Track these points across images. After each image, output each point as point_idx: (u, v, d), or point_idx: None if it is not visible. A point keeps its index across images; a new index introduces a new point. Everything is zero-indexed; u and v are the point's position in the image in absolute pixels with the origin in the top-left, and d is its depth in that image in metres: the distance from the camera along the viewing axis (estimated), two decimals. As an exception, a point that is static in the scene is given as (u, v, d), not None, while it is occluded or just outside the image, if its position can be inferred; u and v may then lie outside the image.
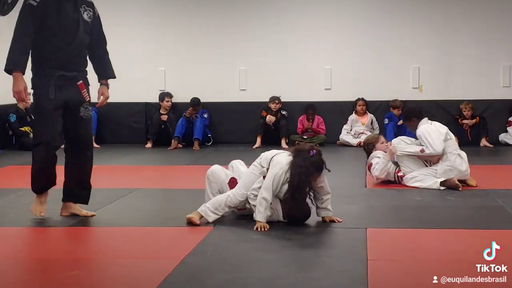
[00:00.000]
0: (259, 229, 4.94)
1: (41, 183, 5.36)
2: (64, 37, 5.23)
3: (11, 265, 4.21)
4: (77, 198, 5.50)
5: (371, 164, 7.08)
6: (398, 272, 3.98)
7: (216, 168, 5.56)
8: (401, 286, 3.73)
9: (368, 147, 7.34)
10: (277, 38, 11.56)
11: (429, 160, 6.96)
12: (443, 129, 7.00)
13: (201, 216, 5.13)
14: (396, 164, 7.05)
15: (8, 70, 5.12)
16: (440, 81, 11.37)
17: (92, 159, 5.52)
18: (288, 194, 5.04)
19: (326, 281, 3.78)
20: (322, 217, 5.21)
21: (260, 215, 5.02)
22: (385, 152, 7.07)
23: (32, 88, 5.29)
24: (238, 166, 5.68)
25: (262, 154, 5.33)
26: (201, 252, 4.40)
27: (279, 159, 5.11)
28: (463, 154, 6.95)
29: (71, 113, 5.30)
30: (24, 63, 5.12)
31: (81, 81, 5.35)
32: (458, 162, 6.82)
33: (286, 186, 5.05)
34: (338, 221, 5.19)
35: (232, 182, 5.40)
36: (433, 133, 6.88)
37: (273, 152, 5.28)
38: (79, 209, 5.47)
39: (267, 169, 5.14)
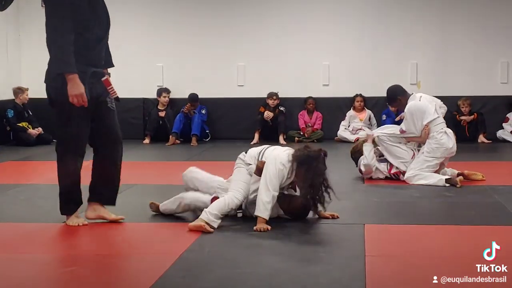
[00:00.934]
0: (259, 230, 4.77)
1: (71, 202, 4.98)
2: (98, 30, 4.88)
3: (9, 260, 4.21)
4: (106, 199, 5.10)
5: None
6: (396, 268, 3.99)
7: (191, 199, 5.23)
8: (399, 282, 3.73)
9: (356, 155, 7.25)
10: (275, 34, 11.55)
11: (415, 142, 7.01)
12: (432, 105, 7.03)
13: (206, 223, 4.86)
14: (386, 160, 7.05)
15: (62, 73, 4.68)
16: (438, 77, 11.36)
17: (122, 154, 5.13)
18: (304, 195, 4.92)
19: (324, 277, 3.78)
20: (318, 212, 5.17)
21: (266, 211, 4.82)
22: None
23: (54, 87, 4.78)
24: (194, 175, 5.45)
25: (242, 155, 5.18)
26: (199, 248, 4.40)
27: (278, 155, 4.96)
28: (449, 131, 7.01)
29: (99, 108, 4.92)
30: (75, 63, 4.68)
31: (106, 77, 4.98)
32: (444, 139, 6.83)
33: (287, 182, 5.00)
34: (337, 217, 5.19)
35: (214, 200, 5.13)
36: (419, 112, 6.89)
37: (256, 149, 5.19)
38: (108, 212, 5.09)
39: (261, 163, 4.97)
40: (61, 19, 4.67)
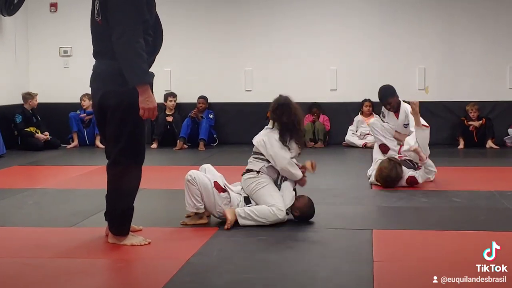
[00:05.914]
0: None
1: (130, 220, 4.63)
2: (159, 37, 4.50)
3: (16, 265, 4.21)
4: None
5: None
6: (404, 273, 3.98)
7: (196, 173, 5.24)
8: (407, 287, 3.72)
9: (387, 180, 6.87)
10: (282, 39, 11.55)
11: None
12: None
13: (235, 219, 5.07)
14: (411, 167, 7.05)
15: (149, 83, 4.30)
16: (446, 82, 11.33)
17: None
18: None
19: (332, 282, 3.78)
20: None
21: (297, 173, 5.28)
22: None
23: (126, 99, 4.37)
24: (210, 168, 5.48)
25: (245, 179, 5.41)
26: (206, 253, 4.40)
27: (262, 134, 5.73)
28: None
29: None
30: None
31: None
32: None
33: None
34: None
35: (217, 185, 5.21)
36: None
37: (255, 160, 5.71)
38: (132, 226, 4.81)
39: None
40: (133, 20, 4.21)
